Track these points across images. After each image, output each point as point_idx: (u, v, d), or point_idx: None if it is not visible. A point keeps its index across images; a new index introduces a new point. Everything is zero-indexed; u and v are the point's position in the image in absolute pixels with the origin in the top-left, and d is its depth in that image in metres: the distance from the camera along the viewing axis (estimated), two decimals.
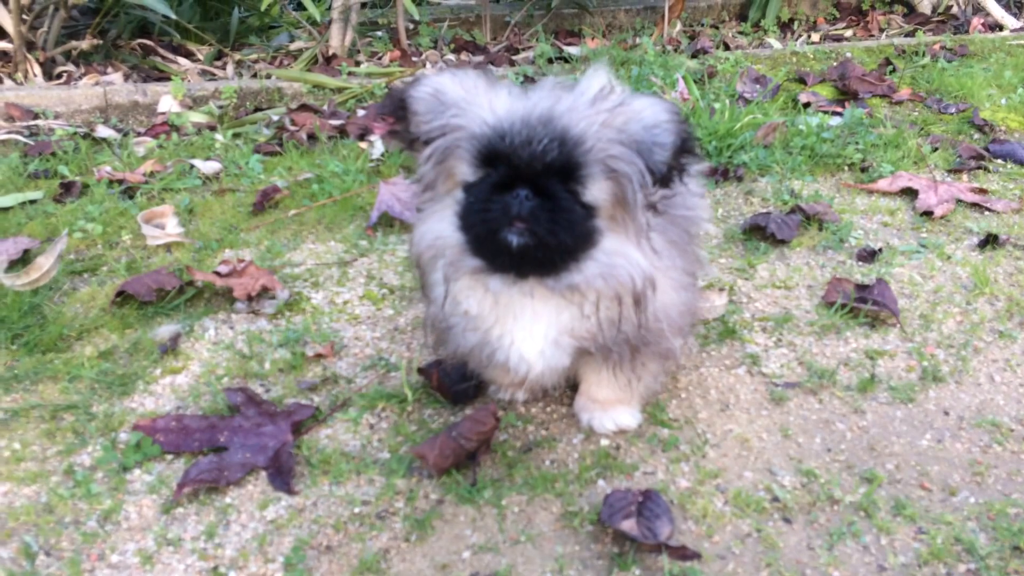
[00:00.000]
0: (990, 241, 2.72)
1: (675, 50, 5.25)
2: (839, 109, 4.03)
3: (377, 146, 3.49)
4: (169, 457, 1.83)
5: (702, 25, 6.58)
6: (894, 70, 4.68)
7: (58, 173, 3.28)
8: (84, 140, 3.58)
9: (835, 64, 4.74)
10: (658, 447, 1.84)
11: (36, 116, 3.89)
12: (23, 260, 2.59)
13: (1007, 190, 3.18)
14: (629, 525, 1.57)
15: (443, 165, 1.61)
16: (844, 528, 1.61)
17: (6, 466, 1.80)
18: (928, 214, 2.95)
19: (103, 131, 3.73)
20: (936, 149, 3.52)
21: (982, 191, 3.12)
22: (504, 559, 1.57)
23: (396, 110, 1.62)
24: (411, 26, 5.77)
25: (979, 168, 3.38)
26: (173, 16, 4.16)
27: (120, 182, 3.19)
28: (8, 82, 4.13)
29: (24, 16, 4.09)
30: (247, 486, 1.75)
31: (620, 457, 1.82)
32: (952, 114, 4.01)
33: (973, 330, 2.26)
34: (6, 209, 2.99)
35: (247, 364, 2.16)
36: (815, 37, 6.06)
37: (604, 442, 1.86)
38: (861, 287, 2.42)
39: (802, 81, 4.56)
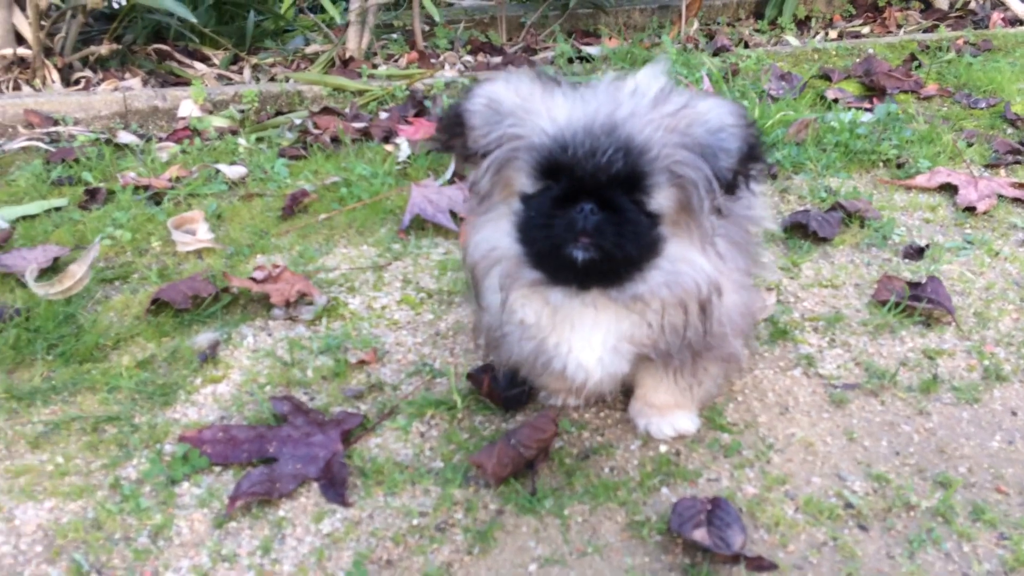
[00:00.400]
0: None
1: (696, 48, 5.20)
2: (868, 105, 3.97)
3: (404, 148, 3.44)
4: (217, 469, 1.77)
5: (718, 23, 6.53)
6: (919, 65, 4.62)
7: (82, 180, 3.23)
8: (107, 146, 3.53)
9: (859, 60, 4.68)
10: (720, 452, 1.79)
11: (56, 122, 3.84)
12: (53, 268, 2.54)
13: None
14: (701, 535, 1.51)
15: (500, 175, 1.55)
16: (923, 535, 1.56)
17: (50, 481, 1.75)
18: (971, 210, 2.90)
19: (125, 137, 3.69)
20: (971, 144, 3.46)
21: (1022, 186, 3.06)
22: (572, 572, 1.51)
23: (453, 127, 1.56)
24: (426, 28, 5.73)
25: (1016, 163, 3.32)
26: (192, 18, 4.11)
27: (146, 188, 3.14)
28: (27, 88, 4.09)
29: (42, 22, 4.05)
30: (300, 498, 1.70)
31: (682, 463, 1.76)
32: (983, 109, 3.96)
33: None
34: (32, 217, 2.94)
35: (289, 372, 2.10)
36: (832, 34, 6.00)
37: (663, 448, 1.81)
38: (913, 285, 2.36)
39: (827, 78, 4.51)
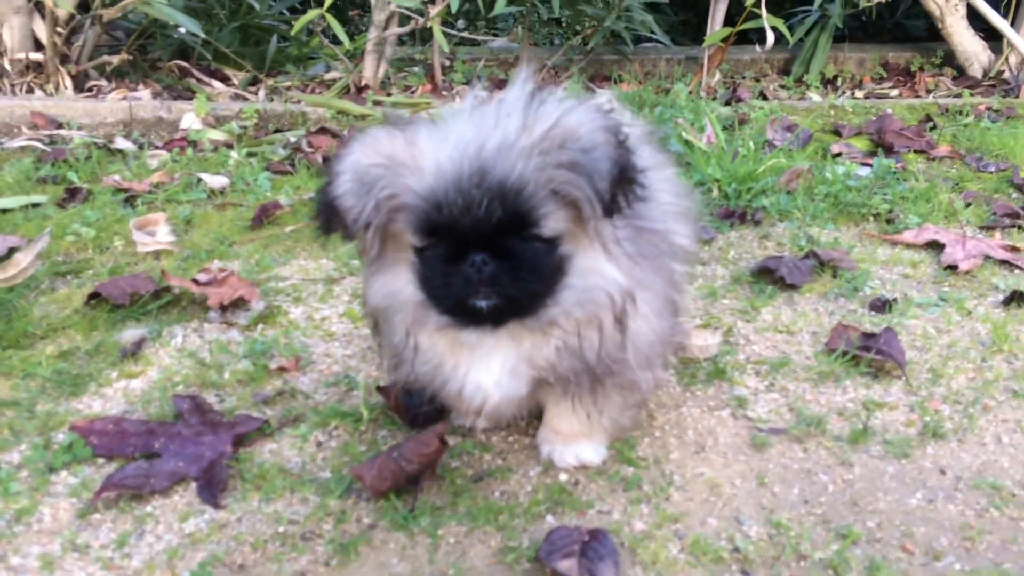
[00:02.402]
0: (1016, 298, 2.53)
1: (713, 98, 5.16)
2: (870, 160, 3.87)
3: None
4: (101, 461, 1.73)
5: (743, 77, 6.49)
6: (934, 127, 4.51)
7: (66, 179, 3.28)
8: (99, 150, 3.59)
9: (873, 119, 4.59)
10: (619, 486, 1.70)
11: (60, 126, 3.93)
12: (8, 258, 2.56)
13: None
14: (567, 565, 1.42)
15: (387, 235, 1.48)
16: None
17: None
18: (952, 268, 2.77)
19: (121, 143, 3.75)
20: (969, 205, 3.34)
21: (1014, 248, 2.93)
22: None
23: (328, 216, 1.48)
24: (447, 63, 5.79)
25: (1014, 226, 3.19)
26: (201, 33, 4.19)
27: (125, 191, 3.17)
28: (39, 92, 4.19)
29: (60, 29, 4.16)
30: (173, 496, 1.64)
31: (577, 493, 1.67)
32: (991, 172, 3.83)
33: (985, 388, 2.08)
34: (7, 211, 2.98)
35: (206, 373, 2.07)
36: (859, 95, 5.91)
37: (563, 477, 1.72)
38: (868, 335, 2.25)
39: (837, 133, 4.42)
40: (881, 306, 2.51)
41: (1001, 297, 2.58)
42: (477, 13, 6.45)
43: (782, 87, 6.21)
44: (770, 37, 5.18)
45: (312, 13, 4.28)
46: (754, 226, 3.14)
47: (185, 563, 1.48)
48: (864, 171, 3.54)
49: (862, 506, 1.65)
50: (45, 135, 3.80)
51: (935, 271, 2.79)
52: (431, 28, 4.64)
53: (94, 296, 2.33)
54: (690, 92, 5.62)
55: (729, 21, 5.39)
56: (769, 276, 2.67)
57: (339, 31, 4.37)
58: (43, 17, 4.16)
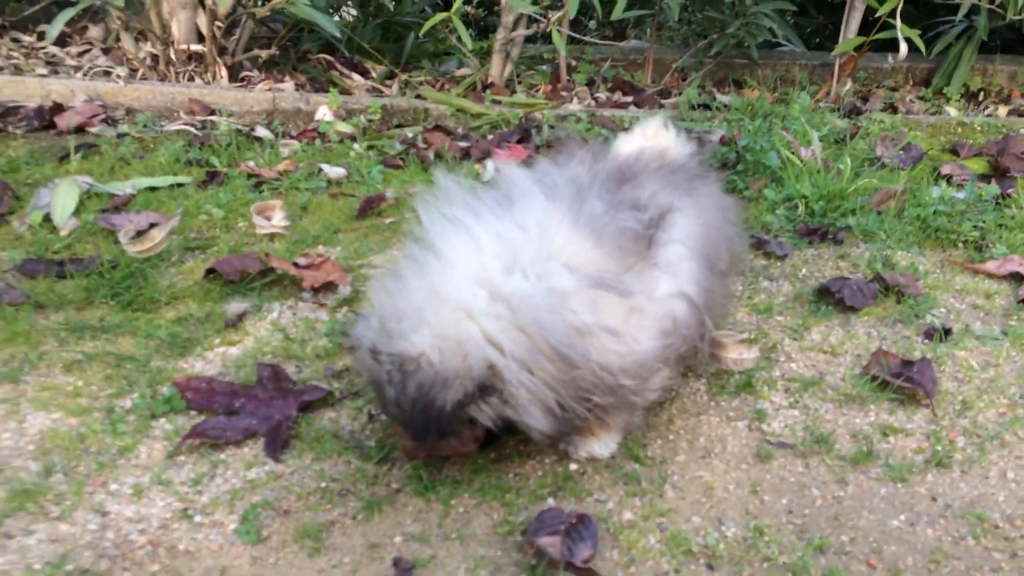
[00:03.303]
0: None
1: (833, 109, 5.12)
2: (980, 184, 3.80)
3: (489, 168, 3.69)
4: (192, 413, 2.08)
5: (880, 86, 6.35)
6: None
7: (209, 163, 3.72)
8: (241, 137, 4.02)
9: (998, 139, 4.46)
10: (621, 479, 1.89)
11: (212, 112, 4.40)
12: (146, 232, 2.98)
13: None
14: (549, 542, 1.64)
15: None
16: None
17: (65, 398, 2.11)
18: None
19: (261, 131, 4.17)
20: None
21: None
22: (429, 550, 1.68)
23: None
24: (574, 63, 5.97)
25: None
26: (338, 33, 4.57)
27: (256, 176, 3.58)
28: (197, 80, 4.70)
29: (219, 24, 4.64)
30: (243, 448, 1.96)
31: (580, 482, 1.88)
32: None
33: (1011, 424, 2.12)
34: (155, 189, 3.43)
35: (291, 346, 2.39)
36: (1002, 111, 5.68)
37: (572, 466, 1.93)
38: (906, 363, 2.32)
39: (955, 152, 4.33)
40: (936, 335, 2.56)
41: None
42: (609, 14, 6.58)
43: (920, 98, 6.04)
44: (903, 48, 5.08)
45: (439, 16, 4.58)
46: (834, 245, 3.20)
47: (242, 504, 1.79)
48: (961, 195, 3.50)
49: (842, 521, 1.78)
50: (198, 120, 4.28)
51: (1008, 304, 2.79)
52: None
53: (211, 271, 2.71)
54: (817, 100, 5.58)
55: (867, 28, 5.31)
56: (830, 297, 2.75)
57: (463, 33, 4.65)
58: (205, 12, 4.65)
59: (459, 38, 4.81)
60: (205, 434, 1.96)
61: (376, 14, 5.57)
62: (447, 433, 1.69)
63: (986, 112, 5.52)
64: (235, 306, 2.57)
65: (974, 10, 5.55)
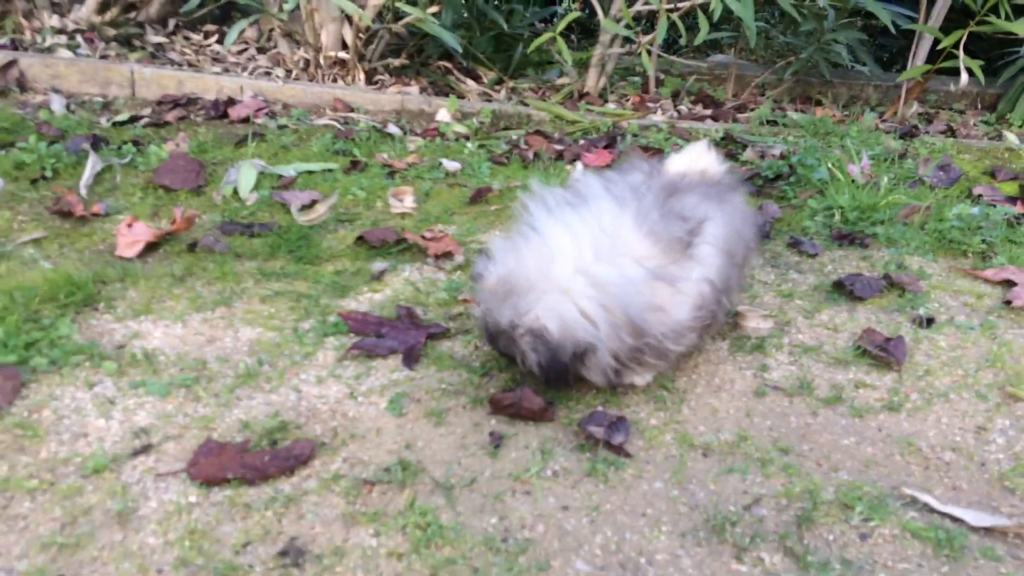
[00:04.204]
0: None
1: (891, 131, 5.70)
2: (1007, 204, 4.38)
3: (578, 168, 4.47)
4: (352, 335, 2.93)
5: (947, 109, 6.84)
6: None
7: (351, 153, 4.60)
8: (376, 132, 4.90)
9: None
10: (651, 400, 2.65)
11: (352, 110, 5.30)
12: (310, 206, 3.87)
13: None
14: (596, 430, 2.41)
15: None
16: (738, 465, 2.34)
17: (264, 320, 2.99)
18: (1008, 303, 3.38)
19: (392, 128, 5.05)
20: None
21: None
22: (514, 430, 2.48)
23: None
24: (662, 76, 6.68)
25: None
26: (457, 46, 5.40)
27: (389, 166, 4.44)
28: (340, 83, 5.61)
29: (361, 35, 5.54)
30: (389, 359, 2.80)
31: (622, 399, 2.65)
32: None
33: (959, 388, 2.79)
34: (312, 172, 4.33)
35: (419, 296, 3.23)
36: None
37: (620, 391, 2.70)
38: (888, 339, 3.00)
39: (992, 175, 4.89)
40: (923, 323, 3.22)
41: None
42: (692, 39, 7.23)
43: (984, 122, 6.53)
44: (963, 77, 5.62)
45: (546, 35, 5.37)
46: (860, 248, 3.87)
47: (389, 392, 2.62)
48: (975, 211, 4.11)
49: (807, 438, 2.50)
50: (341, 116, 5.19)
51: (994, 304, 3.42)
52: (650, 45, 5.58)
53: (360, 239, 3.57)
54: (884, 119, 6.16)
55: (938, 55, 5.83)
56: (843, 288, 3.43)
57: (565, 51, 5.43)
58: (351, 25, 5.56)
59: (560, 52, 5.58)
60: (362, 348, 2.81)
61: (490, 28, 6.40)
62: (569, 383, 2.46)
63: None
64: (378, 265, 3.42)
65: None
